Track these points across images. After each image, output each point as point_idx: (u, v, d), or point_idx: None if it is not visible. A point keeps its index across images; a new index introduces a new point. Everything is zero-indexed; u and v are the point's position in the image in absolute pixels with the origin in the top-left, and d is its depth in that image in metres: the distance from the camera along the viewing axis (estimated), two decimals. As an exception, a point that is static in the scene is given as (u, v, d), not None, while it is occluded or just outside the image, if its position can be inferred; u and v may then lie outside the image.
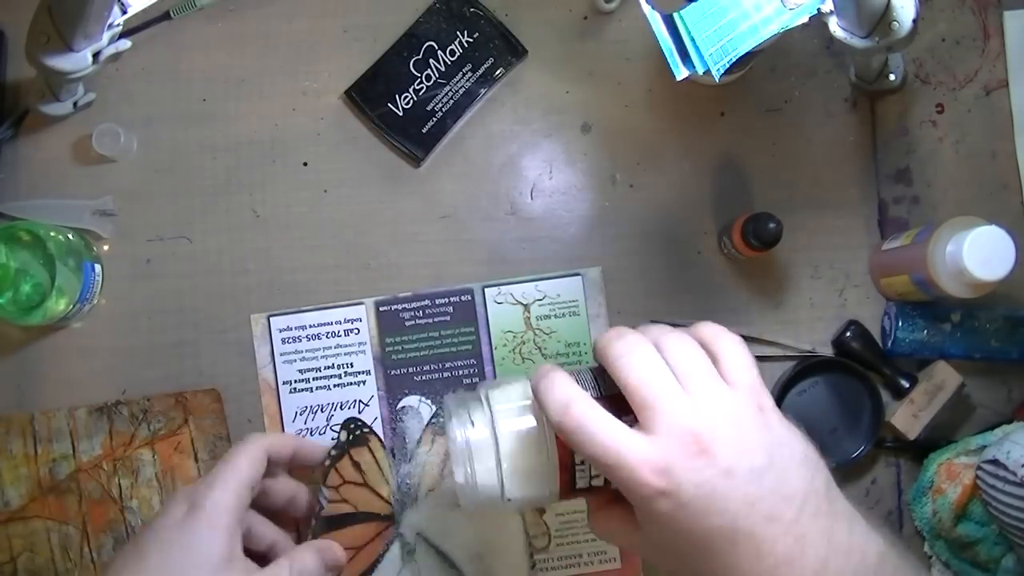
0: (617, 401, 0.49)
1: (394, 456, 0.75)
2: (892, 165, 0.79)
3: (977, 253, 0.65)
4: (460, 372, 0.78)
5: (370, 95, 0.79)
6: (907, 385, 0.76)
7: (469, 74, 0.79)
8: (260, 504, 0.67)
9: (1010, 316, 0.76)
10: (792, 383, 0.77)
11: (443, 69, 0.79)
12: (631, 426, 0.47)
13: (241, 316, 0.78)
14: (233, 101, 0.80)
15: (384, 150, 0.80)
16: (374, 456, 0.73)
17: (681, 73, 0.65)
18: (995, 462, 0.66)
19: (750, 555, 0.44)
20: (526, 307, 0.78)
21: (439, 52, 0.79)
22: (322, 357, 0.78)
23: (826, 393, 0.77)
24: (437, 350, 0.78)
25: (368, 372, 0.78)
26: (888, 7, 0.63)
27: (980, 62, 0.80)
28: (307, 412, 0.78)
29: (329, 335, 0.78)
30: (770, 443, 0.46)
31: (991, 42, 0.80)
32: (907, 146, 0.80)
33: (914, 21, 0.63)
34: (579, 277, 0.78)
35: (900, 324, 0.76)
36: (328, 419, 0.78)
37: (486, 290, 0.78)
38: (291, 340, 0.78)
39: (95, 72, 0.70)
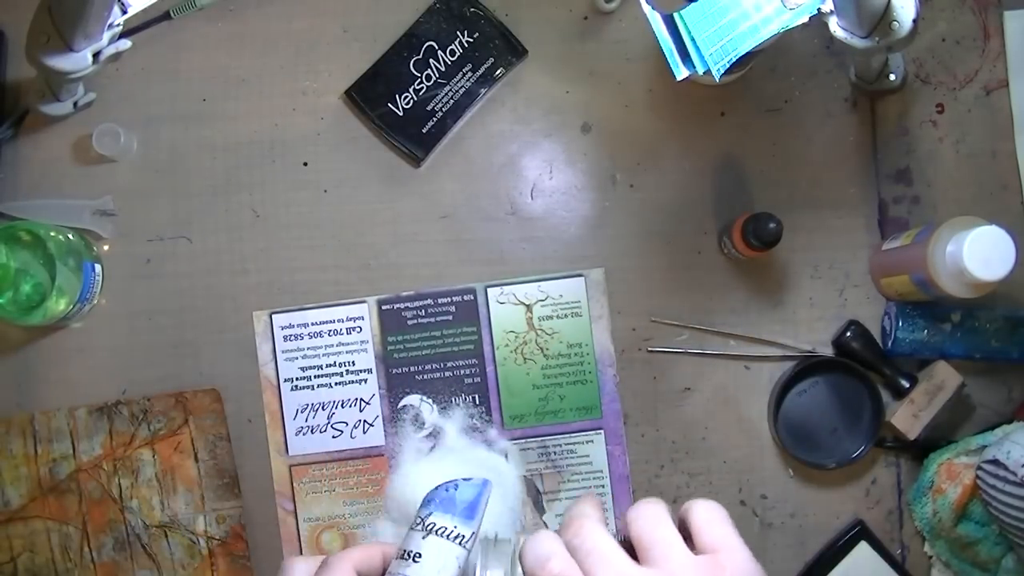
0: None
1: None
2: (892, 165, 0.80)
3: (977, 253, 0.66)
4: (462, 372, 0.78)
5: (370, 95, 0.79)
6: (907, 385, 0.76)
7: (469, 74, 0.79)
8: None
9: (1010, 316, 0.76)
10: (792, 383, 0.77)
11: (443, 69, 0.79)
12: None
13: (241, 316, 0.78)
14: (233, 101, 0.80)
15: (384, 150, 0.80)
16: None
17: (681, 73, 0.65)
18: (995, 462, 0.66)
19: None
20: (528, 307, 0.78)
21: (439, 52, 0.79)
22: (324, 355, 0.78)
23: (826, 393, 0.77)
24: (439, 349, 0.78)
25: (370, 370, 0.78)
26: (888, 7, 0.63)
27: (980, 62, 0.80)
28: (308, 410, 0.78)
29: (331, 333, 0.78)
30: None
31: (991, 42, 0.80)
32: (907, 146, 0.80)
33: (914, 21, 0.63)
34: (581, 278, 0.78)
35: (900, 324, 0.76)
36: (329, 417, 0.78)
37: (488, 290, 0.78)
38: (293, 337, 0.78)
39: (95, 72, 0.70)
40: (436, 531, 0.49)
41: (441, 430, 0.77)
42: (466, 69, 0.79)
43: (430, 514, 0.50)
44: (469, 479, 0.51)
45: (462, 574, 0.49)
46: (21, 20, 0.68)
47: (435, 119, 0.79)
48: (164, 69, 0.80)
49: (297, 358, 0.78)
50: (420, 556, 0.48)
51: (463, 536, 0.50)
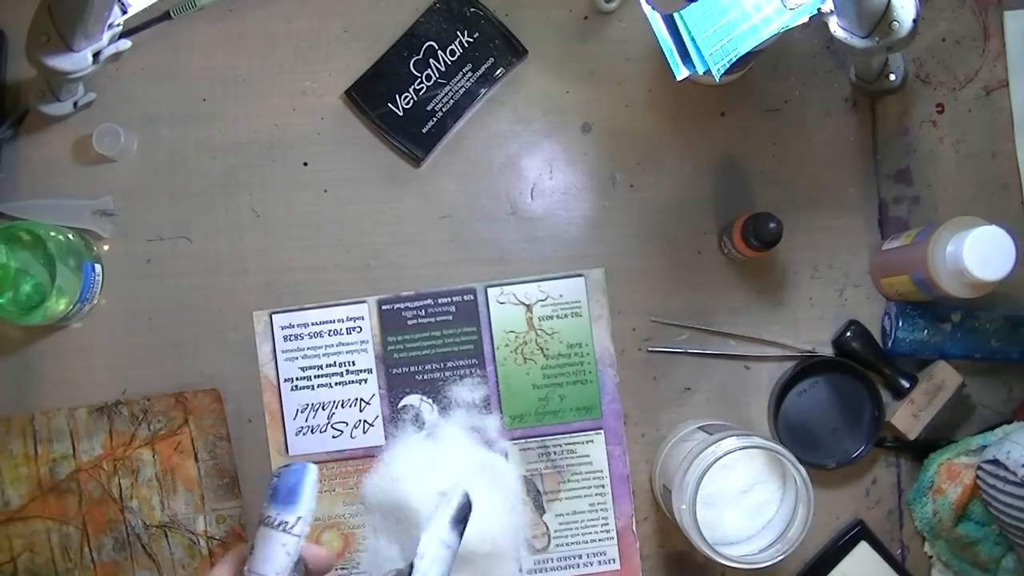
0: None
1: None
2: (892, 165, 0.80)
3: (977, 253, 0.66)
4: (462, 372, 0.78)
5: (370, 95, 0.79)
6: (907, 385, 0.76)
7: (469, 74, 0.79)
8: None
9: (1010, 316, 0.76)
10: (792, 383, 0.77)
11: (443, 69, 0.79)
12: None
13: (241, 316, 0.78)
14: (233, 101, 0.80)
15: (384, 150, 0.80)
16: None
17: (681, 73, 0.65)
18: (995, 462, 0.66)
19: None
20: (528, 307, 0.78)
21: (439, 52, 0.79)
22: (324, 355, 0.78)
23: (826, 393, 0.77)
24: (439, 349, 0.78)
25: (370, 370, 0.78)
26: (888, 7, 0.63)
27: (980, 62, 0.80)
28: (308, 410, 0.78)
29: (331, 333, 0.78)
30: None
31: (991, 42, 0.80)
32: (907, 146, 0.80)
33: (914, 21, 0.63)
34: (582, 278, 0.78)
35: (900, 324, 0.76)
36: (329, 417, 0.78)
37: (488, 290, 0.78)
38: (293, 337, 0.78)
39: (95, 72, 0.70)
40: (264, 520, 0.49)
41: (438, 429, 0.77)
42: (466, 69, 0.79)
43: (263, 505, 0.50)
44: (290, 465, 0.51)
45: (295, 560, 0.48)
46: (21, 20, 0.68)
47: (435, 119, 0.79)
48: (164, 69, 0.80)
49: (297, 358, 0.78)
50: (253, 547, 0.49)
51: (286, 523, 0.49)
